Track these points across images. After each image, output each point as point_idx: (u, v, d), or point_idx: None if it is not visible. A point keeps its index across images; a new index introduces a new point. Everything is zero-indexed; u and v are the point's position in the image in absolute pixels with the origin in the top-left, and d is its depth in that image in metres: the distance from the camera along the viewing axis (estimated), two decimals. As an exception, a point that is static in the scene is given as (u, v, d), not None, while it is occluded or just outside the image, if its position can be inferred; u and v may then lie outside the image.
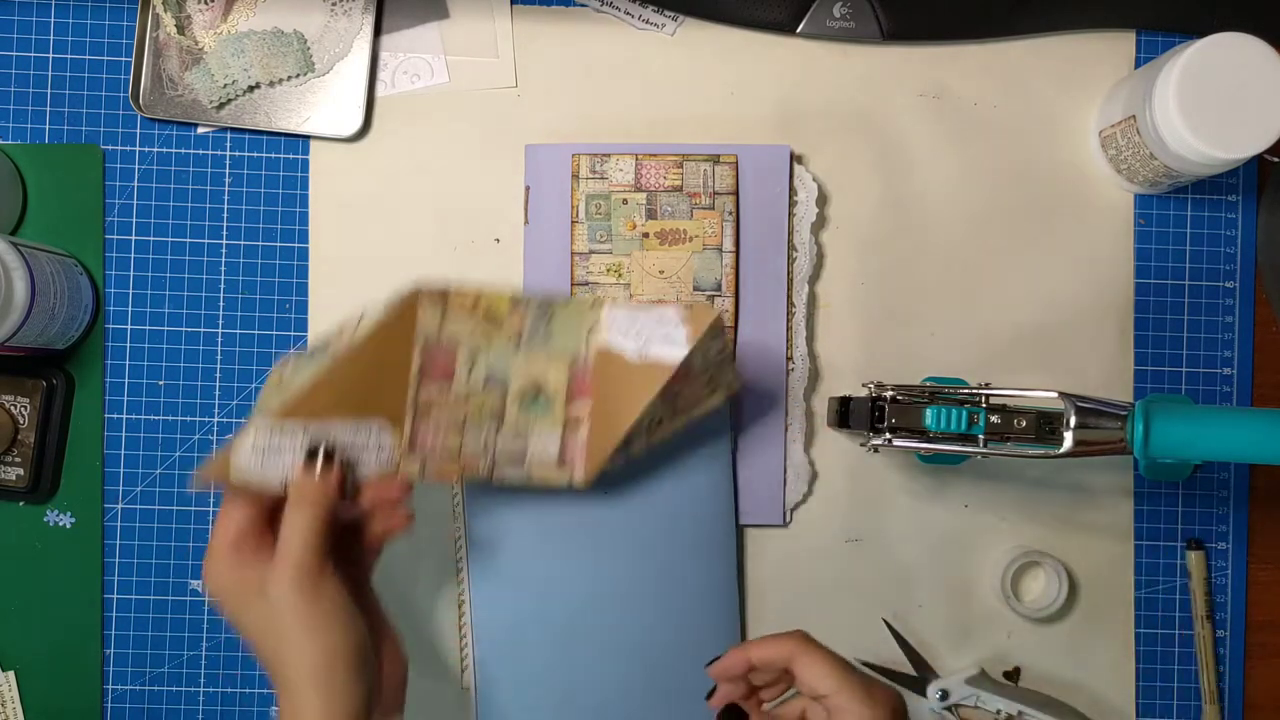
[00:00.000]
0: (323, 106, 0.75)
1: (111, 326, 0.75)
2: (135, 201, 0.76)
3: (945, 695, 0.74)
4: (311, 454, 0.61)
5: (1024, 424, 0.64)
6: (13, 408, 0.73)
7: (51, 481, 0.74)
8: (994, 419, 0.65)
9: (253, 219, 0.76)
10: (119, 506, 0.75)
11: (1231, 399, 0.78)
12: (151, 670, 0.76)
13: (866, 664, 0.75)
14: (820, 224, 0.76)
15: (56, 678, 0.75)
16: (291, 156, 0.76)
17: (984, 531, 0.77)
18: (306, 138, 0.76)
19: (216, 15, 0.75)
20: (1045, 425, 0.64)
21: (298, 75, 0.75)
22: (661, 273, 0.74)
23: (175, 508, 0.75)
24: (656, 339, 0.66)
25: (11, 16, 0.75)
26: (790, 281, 0.75)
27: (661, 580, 0.73)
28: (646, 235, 0.74)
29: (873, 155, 0.77)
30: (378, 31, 0.76)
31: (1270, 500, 0.78)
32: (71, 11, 0.76)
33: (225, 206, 0.76)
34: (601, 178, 0.74)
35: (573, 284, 0.74)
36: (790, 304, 0.75)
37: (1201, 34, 0.68)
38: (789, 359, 0.75)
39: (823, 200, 0.76)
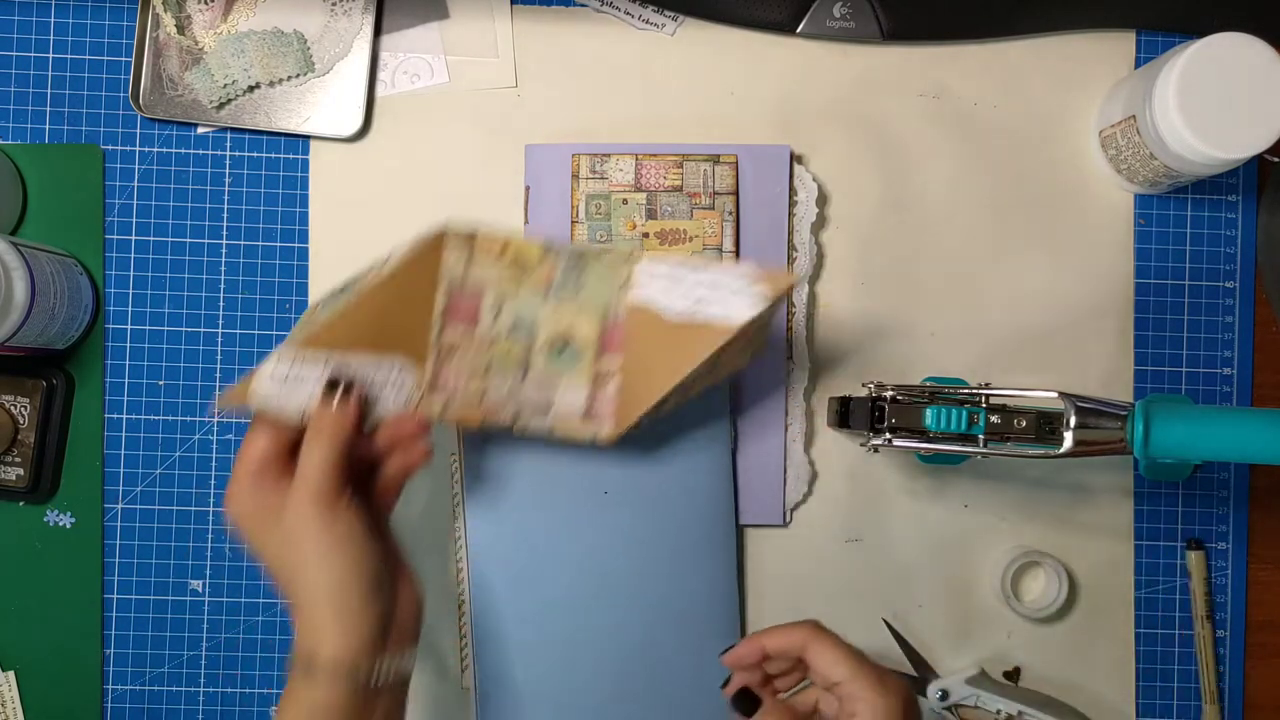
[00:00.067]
0: (323, 106, 0.75)
1: (111, 326, 0.75)
2: (135, 201, 0.76)
3: (945, 695, 0.74)
4: (331, 385, 0.61)
5: (1024, 424, 0.64)
6: (13, 408, 0.73)
7: (51, 481, 0.74)
8: (994, 419, 0.64)
9: (253, 219, 0.76)
10: (119, 506, 0.75)
11: (1231, 399, 0.78)
12: (151, 670, 0.76)
13: (866, 664, 0.75)
14: (820, 224, 0.76)
15: (56, 678, 0.75)
16: (291, 156, 0.76)
17: (984, 531, 0.77)
18: (306, 138, 0.76)
19: (216, 15, 0.75)
20: (1045, 425, 0.64)
21: (298, 75, 0.75)
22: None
23: (175, 508, 0.75)
24: (717, 298, 0.64)
25: (11, 16, 0.75)
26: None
27: (661, 580, 0.73)
28: (646, 235, 0.74)
29: (873, 155, 0.77)
30: (378, 31, 0.76)
31: (1270, 500, 0.78)
32: (71, 11, 0.76)
33: (225, 206, 0.76)
34: (601, 178, 0.74)
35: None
36: (790, 304, 0.75)
37: (1201, 34, 0.68)
38: (789, 359, 0.75)
39: (823, 200, 0.76)
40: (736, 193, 0.74)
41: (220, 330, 0.76)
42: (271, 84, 0.75)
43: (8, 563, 0.75)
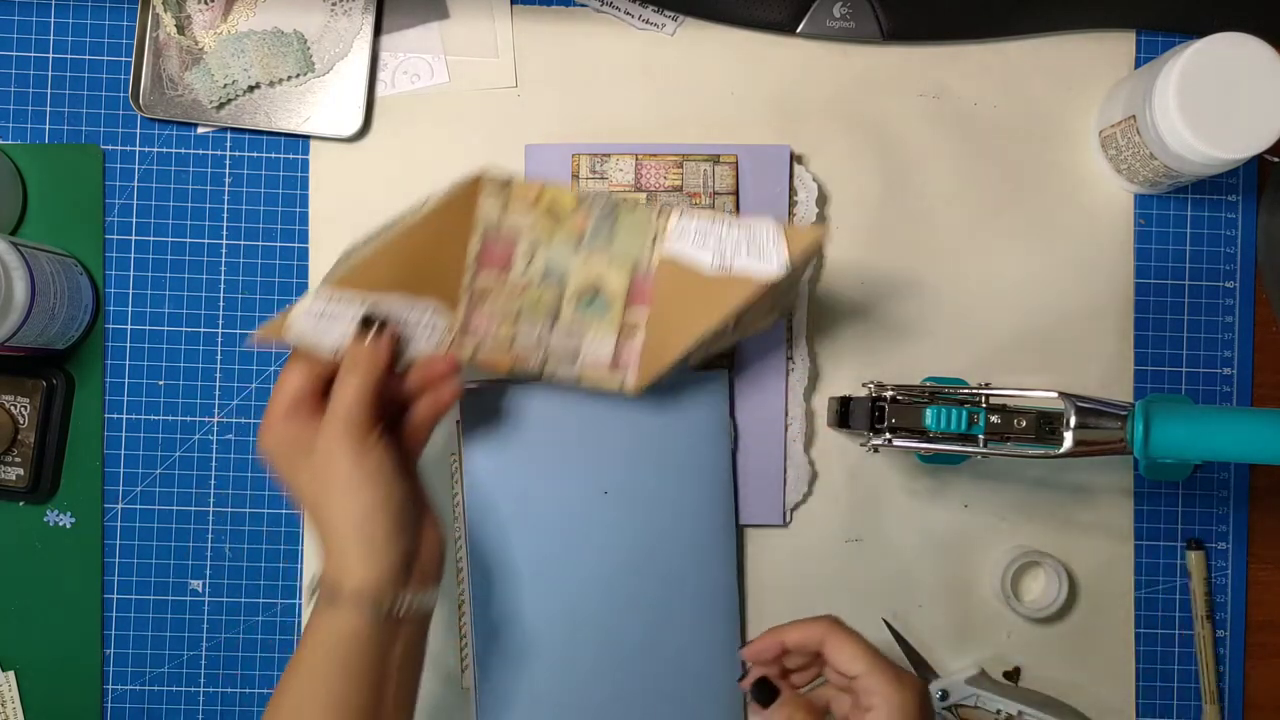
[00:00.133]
0: (323, 106, 0.75)
1: (111, 326, 0.75)
2: (135, 201, 0.76)
3: (945, 695, 0.74)
4: (366, 322, 0.62)
5: (1024, 424, 0.64)
6: (13, 408, 0.73)
7: (51, 481, 0.74)
8: (994, 419, 0.65)
9: (253, 219, 0.76)
10: (119, 506, 0.75)
11: (1231, 399, 0.78)
12: (151, 670, 0.76)
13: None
14: (820, 224, 0.76)
15: (56, 678, 0.75)
16: (291, 156, 0.76)
17: (984, 531, 0.77)
18: (306, 138, 0.76)
19: (216, 15, 0.75)
20: (1045, 425, 0.64)
21: (298, 75, 0.75)
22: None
23: (175, 508, 0.75)
24: (744, 253, 0.65)
25: (11, 16, 0.75)
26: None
27: (662, 580, 0.73)
28: (646, 235, 0.74)
29: (873, 155, 0.77)
30: (378, 31, 0.76)
31: (1270, 500, 0.78)
32: (71, 11, 0.76)
33: (225, 206, 0.76)
34: (601, 178, 0.74)
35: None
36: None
37: (1201, 34, 0.68)
38: (789, 359, 0.75)
39: (823, 200, 0.76)
40: (736, 193, 0.74)
41: (220, 330, 0.76)
42: (271, 84, 0.75)
43: (8, 563, 0.75)
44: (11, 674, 0.75)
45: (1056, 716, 0.74)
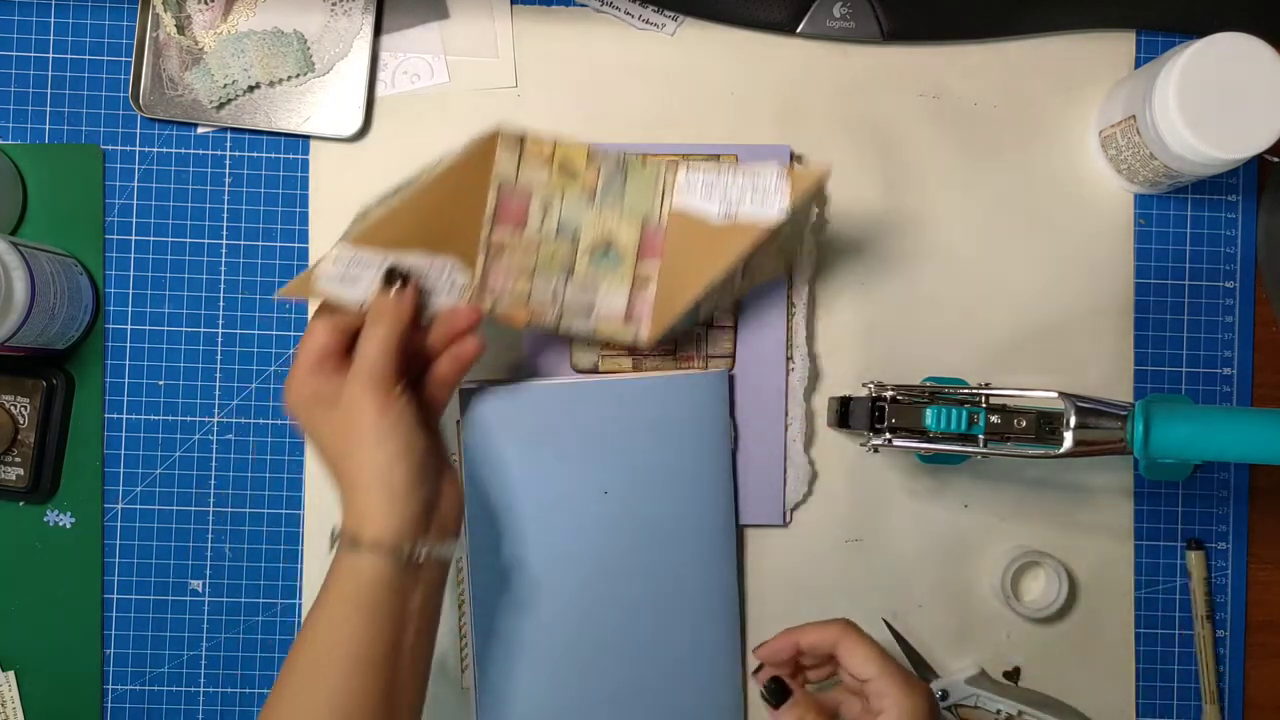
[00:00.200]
0: (323, 106, 0.75)
1: (111, 326, 0.75)
2: (135, 201, 0.76)
3: (945, 695, 0.74)
4: (390, 276, 0.64)
5: (1024, 424, 0.64)
6: (13, 408, 0.73)
7: (51, 481, 0.74)
8: (994, 419, 0.65)
9: (253, 219, 0.76)
10: (119, 506, 0.75)
11: (1231, 399, 0.78)
12: (151, 670, 0.76)
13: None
14: (820, 224, 0.76)
15: (56, 678, 0.75)
16: (291, 156, 0.76)
17: (984, 531, 0.77)
18: (306, 138, 0.76)
19: (216, 15, 0.75)
20: (1045, 425, 0.64)
21: (298, 75, 0.75)
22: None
23: (175, 508, 0.75)
24: (749, 200, 0.67)
25: (11, 16, 0.75)
26: (790, 281, 0.75)
27: (662, 580, 0.73)
28: (646, 235, 0.74)
29: (873, 155, 0.77)
30: (378, 31, 0.76)
31: (1270, 500, 0.78)
32: (71, 11, 0.76)
33: (225, 206, 0.76)
34: (601, 178, 0.74)
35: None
36: (790, 304, 0.75)
37: (1201, 34, 0.68)
38: (789, 359, 0.75)
39: (823, 200, 0.76)
40: (736, 193, 0.74)
41: (220, 330, 0.76)
42: (271, 84, 0.75)
43: (8, 563, 0.75)
44: (11, 674, 0.75)
45: (1056, 716, 0.74)
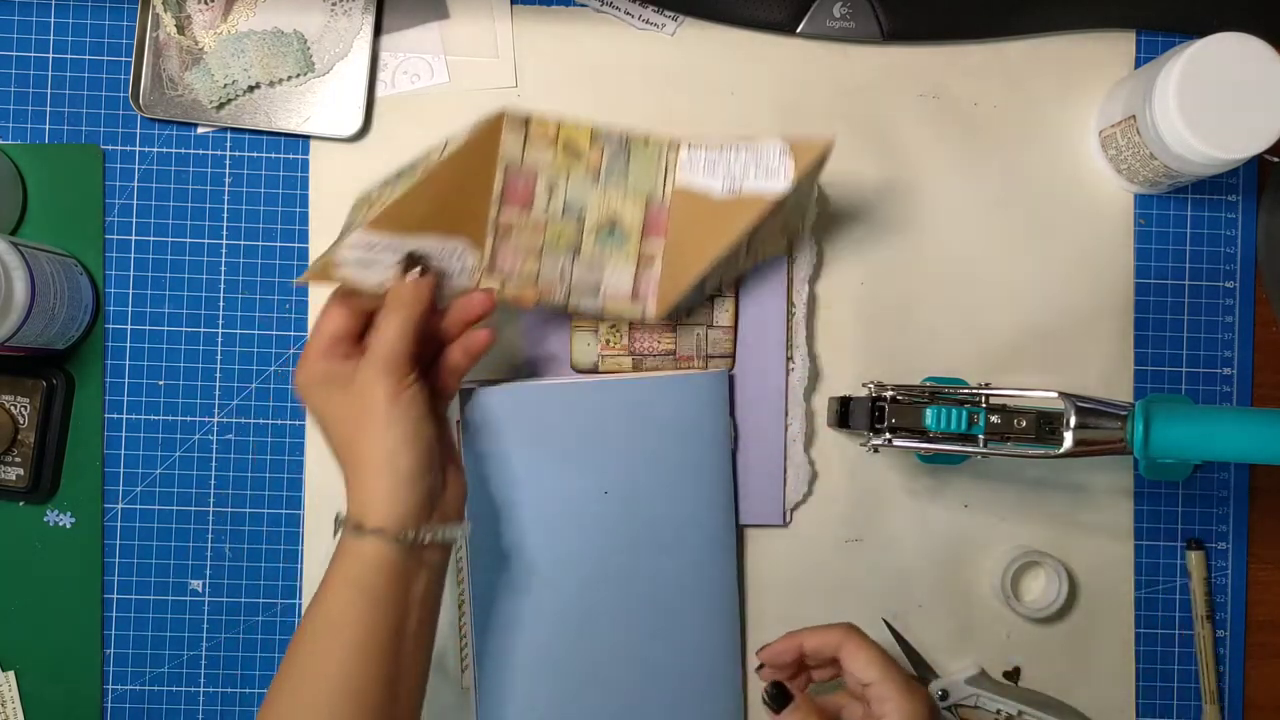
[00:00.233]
0: (323, 106, 0.75)
1: (111, 326, 0.75)
2: (135, 201, 0.76)
3: (945, 695, 0.74)
4: (409, 261, 0.65)
5: (1024, 424, 0.64)
6: (13, 408, 0.73)
7: (51, 481, 0.74)
8: (994, 419, 0.65)
9: (253, 219, 0.76)
10: (119, 506, 0.75)
11: (1231, 399, 0.78)
12: (151, 670, 0.76)
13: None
14: (820, 224, 0.76)
15: (56, 678, 0.75)
16: (291, 156, 0.76)
17: (984, 531, 0.77)
18: (306, 138, 0.76)
19: (216, 15, 0.75)
20: (1045, 425, 0.64)
21: (298, 75, 0.75)
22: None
23: (175, 508, 0.75)
24: (753, 174, 0.67)
25: (11, 16, 0.75)
26: (790, 281, 0.75)
27: (662, 579, 0.73)
28: (646, 235, 0.74)
29: (873, 155, 0.77)
30: (378, 31, 0.76)
31: (1270, 500, 0.78)
32: (71, 11, 0.76)
33: (225, 206, 0.76)
34: (601, 177, 0.74)
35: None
36: (790, 304, 0.75)
37: (1201, 34, 0.68)
38: (789, 359, 0.75)
39: (823, 200, 0.76)
40: (736, 192, 0.74)
41: (220, 330, 0.76)
42: (271, 84, 0.75)
43: (8, 563, 0.75)
44: (11, 674, 0.75)
45: (1056, 716, 0.74)
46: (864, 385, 0.68)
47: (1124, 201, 0.78)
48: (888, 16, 0.76)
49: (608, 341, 0.74)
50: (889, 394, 0.66)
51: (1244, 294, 0.78)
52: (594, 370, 0.74)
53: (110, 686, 0.75)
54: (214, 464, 0.76)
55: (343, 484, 0.62)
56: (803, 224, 0.73)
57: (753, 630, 0.76)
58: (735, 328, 0.75)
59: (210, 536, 0.76)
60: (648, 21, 0.77)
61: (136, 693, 0.75)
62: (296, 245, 0.76)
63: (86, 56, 0.76)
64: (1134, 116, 0.71)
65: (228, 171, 0.76)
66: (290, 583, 0.76)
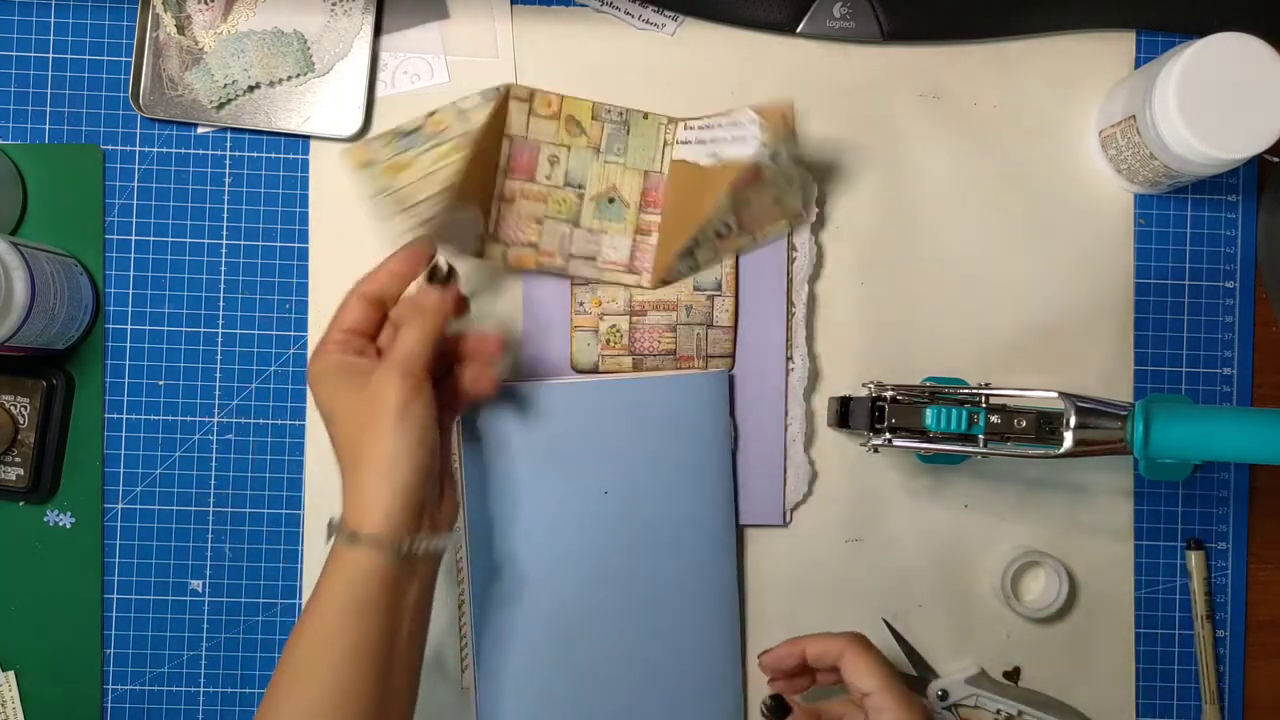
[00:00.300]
0: (323, 106, 0.75)
1: (111, 326, 0.75)
2: (135, 201, 0.76)
3: (945, 695, 0.74)
4: (434, 271, 0.66)
5: (1024, 424, 0.64)
6: (13, 408, 0.73)
7: (51, 481, 0.74)
8: (994, 419, 0.65)
9: (253, 219, 0.76)
10: (119, 506, 0.75)
11: (1231, 399, 0.78)
12: (151, 670, 0.76)
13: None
14: (820, 224, 0.76)
15: (56, 678, 0.75)
16: (291, 156, 0.76)
17: (984, 531, 0.77)
18: (306, 138, 0.76)
19: (216, 15, 0.75)
20: (1045, 425, 0.64)
21: (298, 75, 0.75)
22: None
23: (175, 508, 0.75)
24: (729, 141, 0.69)
25: (11, 16, 0.75)
26: (790, 281, 0.75)
27: (662, 580, 0.73)
28: (646, 235, 0.74)
29: (873, 155, 0.77)
30: (378, 31, 0.76)
31: (1270, 500, 0.78)
32: (71, 11, 0.76)
33: (225, 206, 0.76)
34: (601, 177, 0.74)
35: (573, 283, 0.74)
36: (790, 304, 0.75)
37: (1201, 34, 0.68)
38: (789, 359, 0.75)
39: (823, 200, 0.76)
40: (736, 192, 0.74)
41: (220, 330, 0.76)
42: (271, 84, 0.75)
43: (8, 563, 0.75)
44: (11, 674, 0.75)
45: (1056, 716, 0.74)
46: (864, 385, 0.68)
47: (1124, 201, 0.78)
48: (888, 16, 0.76)
49: (608, 341, 0.74)
50: (889, 394, 0.66)
51: (1244, 294, 0.78)
52: (594, 370, 0.74)
53: (110, 686, 0.75)
54: (214, 464, 0.76)
55: (341, 485, 0.62)
56: (800, 200, 0.73)
57: (753, 630, 0.76)
58: (735, 328, 0.75)
59: (210, 536, 0.76)
60: (648, 21, 0.77)
61: (136, 693, 0.75)
62: (296, 245, 0.76)
63: (86, 56, 0.76)
64: (1134, 116, 0.71)
65: (228, 171, 0.76)
66: (290, 583, 0.76)
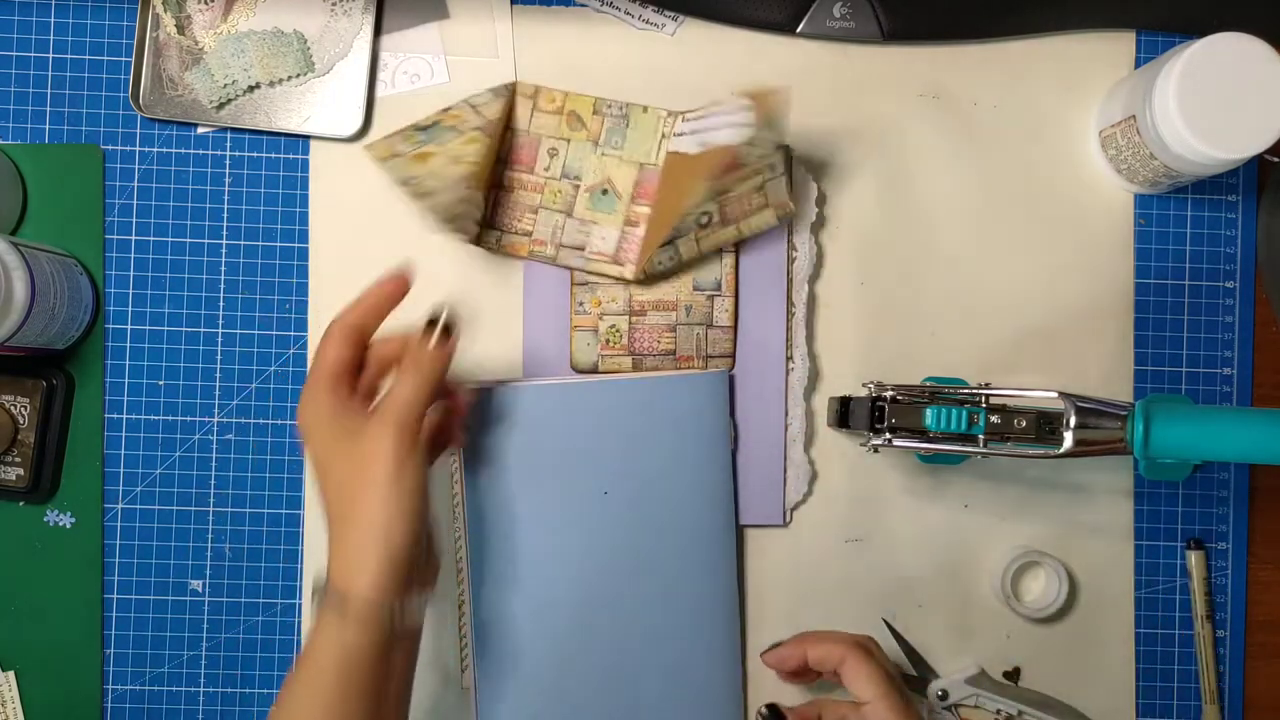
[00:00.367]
0: (323, 106, 0.75)
1: (111, 326, 0.75)
2: (135, 201, 0.76)
3: (945, 695, 0.74)
4: (432, 322, 0.62)
5: (1024, 424, 0.64)
6: (13, 408, 0.73)
7: (51, 481, 0.74)
8: (994, 419, 0.65)
9: (253, 219, 0.76)
10: (119, 506, 0.75)
11: (1231, 399, 0.78)
12: (151, 670, 0.76)
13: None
14: (820, 224, 0.76)
15: (56, 678, 0.75)
16: (291, 156, 0.76)
17: (984, 531, 0.77)
18: (306, 138, 0.76)
19: (216, 15, 0.75)
20: (1045, 425, 0.64)
21: (298, 75, 0.75)
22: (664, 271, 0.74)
23: (175, 508, 0.75)
24: (718, 129, 0.69)
25: (11, 16, 0.75)
26: (790, 281, 0.75)
27: (662, 580, 0.73)
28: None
29: (872, 155, 0.77)
30: (378, 31, 0.76)
31: (1270, 500, 0.78)
32: (71, 11, 0.76)
33: (225, 206, 0.76)
34: (601, 177, 0.75)
35: (573, 283, 0.74)
36: (790, 304, 0.75)
37: (1201, 34, 0.68)
38: (789, 359, 0.75)
39: (822, 200, 0.76)
40: (736, 192, 0.74)
41: (220, 330, 0.76)
42: (271, 84, 0.75)
43: (8, 563, 0.75)
44: (11, 674, 0.75)
45: (1056, 716, 0.74)
46: (864, 385, 0.68)
47: (1124, 201, 0.78)
48: (888, 16, 0.76)
49: (608, 341, 0.74)
50: (889, 394, 0.66)
51: (1244, 294, 0.78)
52: (594, 370, 0.74)
53: (110, 686, 0.75)
54: (214, 464, 0.76)
55: (328, 540, 0.61)
56: (785, 189, 0.73)
57: (753, 630, 0.76)
58: (735, 328, 0.75)
59: (210, 536, 0.76)
60: (648, 21, 0.77)
61: (136, 693, 0.75)
62: (296, 245, 0.76)
63: (86, 56, 0.76)
64: (1134, 116, 0.71)
65: (228, 171, 0.76)
66: (290, 583, 0.76)
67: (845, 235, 0.77)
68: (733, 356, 0.75)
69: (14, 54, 0.75)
